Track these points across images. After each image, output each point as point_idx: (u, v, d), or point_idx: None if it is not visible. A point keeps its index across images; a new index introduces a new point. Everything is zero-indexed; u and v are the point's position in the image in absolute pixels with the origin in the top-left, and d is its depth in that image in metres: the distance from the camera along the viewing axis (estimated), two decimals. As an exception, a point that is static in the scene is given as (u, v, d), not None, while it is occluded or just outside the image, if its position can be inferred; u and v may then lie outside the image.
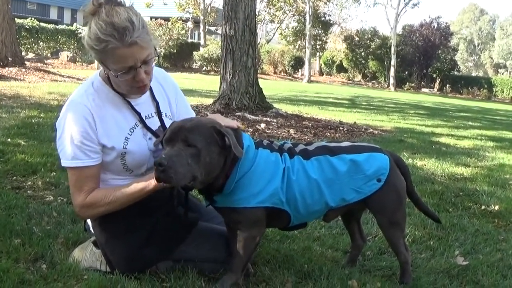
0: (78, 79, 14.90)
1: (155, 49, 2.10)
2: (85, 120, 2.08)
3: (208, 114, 2.24)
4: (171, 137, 1.94)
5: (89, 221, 2.37)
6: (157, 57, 2.11)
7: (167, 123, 2.28)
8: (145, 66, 2.05)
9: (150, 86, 2.28)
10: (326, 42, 38.76)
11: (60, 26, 27.29)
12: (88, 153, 2.09)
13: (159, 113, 2.30)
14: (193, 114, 2.52)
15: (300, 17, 35.72)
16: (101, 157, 2.14)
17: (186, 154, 1.89)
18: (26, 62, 16.32)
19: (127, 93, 2.18)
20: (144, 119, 2.23)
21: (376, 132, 8.51)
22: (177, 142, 1.91)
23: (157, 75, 2.37)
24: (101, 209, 2.15)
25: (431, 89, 34.02)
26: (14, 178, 3.75)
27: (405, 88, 33.29)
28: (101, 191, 2.15)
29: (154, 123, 2.27)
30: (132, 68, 2.01)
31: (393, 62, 32.15)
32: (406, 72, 35.25)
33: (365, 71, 37.34)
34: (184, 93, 2.54)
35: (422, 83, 35.14)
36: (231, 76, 8.79)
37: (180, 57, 29.63)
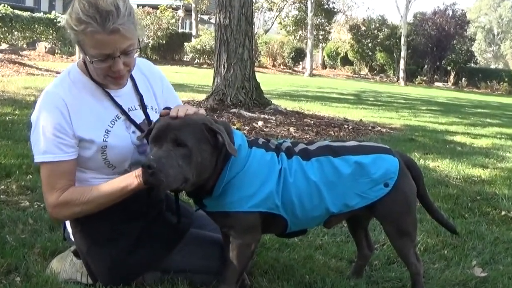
0: (57, 72, 14.84)
1: (139, 41, 2.10)
2: (58, 111, 2.08)
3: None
4: (158, 135, 1.94)
5: (69, 228, 2.36)
6: (139, 50, 2.13)
7: (154, 116, 2.28)
8: (125, 57, 2.06)
9: (134, 78, 2.30)
10: (329, 32, 38.80)
11: (37, 14, 27.13)
12: (62, 147, 2.09)
13: (143, 106, 2.31)
14: None
15: (301, 5, 35.78)
16: (76, 152, 2.14)
17: (176, 154, 1.89)
18: (-1, 54, 16.28)
19: (103, 82, 2.19)
20: (127, 111, 2.25)
21: (384, 130, 8.53)
22: (165, 142, 1.91)
23: (142, 66, 2.38)
24: (77, 209, 2.14)
25: (445, 83, 34.08)
26: (-14, 181, 3.74)
27: (416, 82, 33.34)
28: (77, 189, 2.15)
29: (138, 116, 2.28)
30: (109, 56, 2.03)
31: (403, 53, 32.18)
32: (418, 65, 35.30)
33: (372, 64, 37.39)
34: (174, 88, 2.54)
35: (435, 76, 35.21)
36: (225, 69, 8.79)
37: (169, 48, 29.63)
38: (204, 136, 1.96)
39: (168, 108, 2.08)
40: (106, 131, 2.17)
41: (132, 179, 2.09)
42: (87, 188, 2.16)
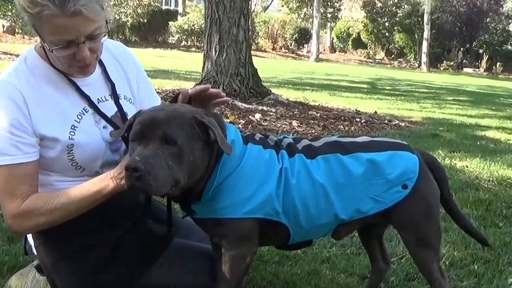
0: (17, 55, 14.78)
1: (107, 22, 2.08)
2: (14, 104, 2.06)
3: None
4: (143, 131, 1.92)
5: (31, 241, 2.35)
6: (107, 33, 2.11)
7: (127, 108, 2.28)
8: (90, 43, 2.04)
9: (103, 63, 2.29)
10: (339, 10, 38.86)
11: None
12: (21, 147, 2.07)
13: (115, 96, 2.30)
14: (158, 101, 2.53)
15: (307, -23, 35.77)
16: (38, 152, 2.12)
17: (165, 154, 1.88)
18: None
19: (67, 72, 2.17)
20: (96, 103, 2.23)
21: (403, 124, 8.54)
22: (151, 139, 1.90)
23: (113, 49, 2.37)
24: (41, 219, 2.11)
25: (476, 69, 34.18)
26: None
27: (441, 68, 33.43)
28: (41, 196, 2.12)
29: (109, 108, 2.27)
30: (72, 43, 2.00)
31: (426, 34, 32.23)
32: (443, 48, 35.33)
33: (390, 47, 37.46)
34: (157, 75, 2.53)
35: (464, 61, 35.31)
36: (217, 53, 8.79)
37: (152, 28, 29.65)
38: (195, 131, 1.95)
39: None
40: (72, 127, 2.16)
41: (106, 181, 2.08)
42: (53, 194, 2.13)
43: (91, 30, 2.00)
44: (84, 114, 2.19)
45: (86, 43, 2.01)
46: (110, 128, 2.21)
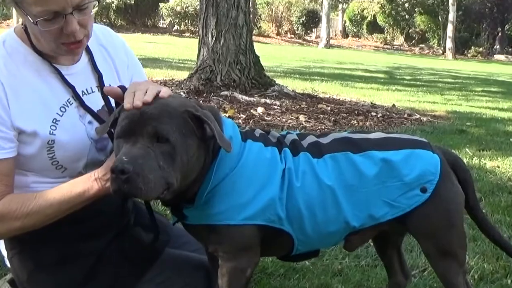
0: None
1: None
2: None
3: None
4: (131, 128, 1.91)
5: (3, 251, 2.35)
6: (97, 3, 2.10)
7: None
8: (79, 14, 2.03)
9: (91, 51, 2.28)
10: (353, -11, 38.80)
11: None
12: None
13: (102, 87, 2.28)
14: None
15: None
16: (16, 148, 2.12)
17: (156, 153, 1.88)
18: None
19: (54, 54, 2.16)
20: (81, 95, 2.23)
21: (425, 119, 8.55)
22: (140, 136, 1.90)
23: (100, 35, 2.36)
24: (16, 223, 2.11)
25: (509, 56, 34.10)
26: None
27: (469, 55, 33.39)
28: (16, 198, 2.12)
29: (95, 101, 2.26)
30: (59, 14, 1.99)
31: (451, 17, 32.18)
32: (471, 32, 35.27)
33: (410, 31, 37.41)
34: (146, 64, 2.54)
35: (495, 47, 35.22)
36: (214, 38, 8.79)
37: (140, 11, 29.65)
38: (189, 126, 1.95)
39: (123, 87, 2.04)
40: (54, 120, 2.16)
41: (90, 182, 2.08)
42: (29, 196, 2.13)
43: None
44: (68, 107, 2.19)
45: (74, 15, 2.00)
46: (96, 124, 2.21)
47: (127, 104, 1.92)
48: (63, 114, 2.17)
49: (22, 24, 2.17)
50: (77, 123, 2.20)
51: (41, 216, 2.10)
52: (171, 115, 1.92)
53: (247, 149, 2.10)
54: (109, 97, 2.26)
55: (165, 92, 1.99)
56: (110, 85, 2.27)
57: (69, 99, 2.20)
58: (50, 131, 2.13)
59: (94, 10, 2.10)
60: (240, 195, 2.05)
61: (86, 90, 2.25)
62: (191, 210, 2.09)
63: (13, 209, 2.08)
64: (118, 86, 2.08)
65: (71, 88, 2.20)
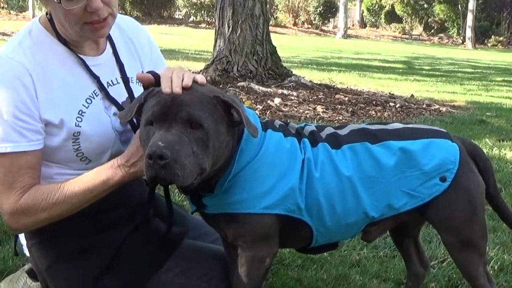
0: (3, 34, 14.93)
1: None
2: (20, 84, 2.05)
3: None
4: (164, 113, 1.90)
5: (22, 240, 2.37)
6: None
7: (139, 93, 2.18)
8: None
9: (113, 41, 2.28)
10: (371, -22, 38.57)
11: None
12: (25, 133, 2.06)
13: (125, 79, 2.29)
14: None
15: None
16: (43, 140, 2.11)
17: (191, 139, 1.89)
18: None
19: (79, 39, 2.15)
20: (106, 86, 2.23)
21: (444, 109, 8.51)
22: (174, 122, 1.90)
23: (124, 25, 2.36)
24: (43, 215, 2.11)
25: (529, 46, 33.79)
26: None
27: (489, 45, 33.10)
28: (42, 189, 2.12)
29: (119, 93, 2.26)
30: None
31: (471, 5, 31.91)
32: (492, 21, 34.97)
33: (429, 20, 37.14)
34: (163, 55, 2.54)
35: (515, 36, 34.88)
36: (230, 29, 8.79)
37: (156, 2, 29.65)
38: (219, 112, 1.96)
39: (154, 73, 2.03)
40: (80, 112, 2.15)
41: (113, 169, 2.08)
42: (53, 186, 2.12)
43: None
44: (93, 98, 2.19)
45: None
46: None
47: (166, 88, 1.91)
48: (89, 105, 2.17)
49: (47, 14, 2.15)
50: (103, 115, 2.20)
51: (67, 206, 2.11)
52: (203, 101, 1.93)
53: (268, 139, 2.11)
54: (131, 87, 2.27)
55: (201, 78, 2.00)
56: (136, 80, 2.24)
57: (95, 90, 2.20)
58: (76, 123, 2.14)
59: None
60: (260, 184, 2.06)
61: (111, 81, 2.26)
62: (210, 199, 2.10)
63: (39, 200, 2.08)
64: (148, 72, 2.06)
65: (96, 79, 2.20)
